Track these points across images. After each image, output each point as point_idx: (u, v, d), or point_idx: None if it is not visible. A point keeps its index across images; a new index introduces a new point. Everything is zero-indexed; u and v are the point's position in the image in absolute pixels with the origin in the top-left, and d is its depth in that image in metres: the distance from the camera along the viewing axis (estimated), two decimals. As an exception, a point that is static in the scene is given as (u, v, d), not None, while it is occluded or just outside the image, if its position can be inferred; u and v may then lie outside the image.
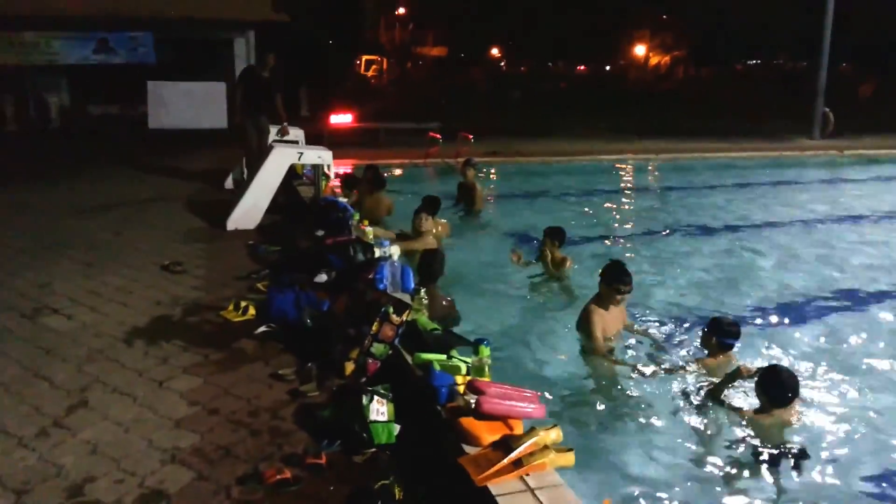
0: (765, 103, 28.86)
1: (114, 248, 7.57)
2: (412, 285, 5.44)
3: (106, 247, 7.61)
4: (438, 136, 14.87)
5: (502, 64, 58.77)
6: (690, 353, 5.82)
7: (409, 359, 4.21)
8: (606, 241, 9.61)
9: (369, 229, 6.33)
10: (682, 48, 50.50)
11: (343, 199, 7.40)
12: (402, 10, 53.08)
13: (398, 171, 14.00)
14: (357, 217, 6.92)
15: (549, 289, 7.34)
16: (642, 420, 4.85)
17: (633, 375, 5.33)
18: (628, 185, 13.76)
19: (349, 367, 4.41)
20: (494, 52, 58.37)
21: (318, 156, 8.48)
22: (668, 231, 10.27)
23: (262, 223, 8.48)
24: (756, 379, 4.60)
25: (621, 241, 9.76)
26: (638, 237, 9.94)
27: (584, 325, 5.62)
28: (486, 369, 3.77)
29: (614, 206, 12.26)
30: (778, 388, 4.47)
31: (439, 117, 17.99)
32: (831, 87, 20.77)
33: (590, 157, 16.19)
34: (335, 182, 9.24)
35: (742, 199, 12.86)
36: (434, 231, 8.09)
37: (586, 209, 11.69)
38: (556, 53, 54.91)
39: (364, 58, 45.56)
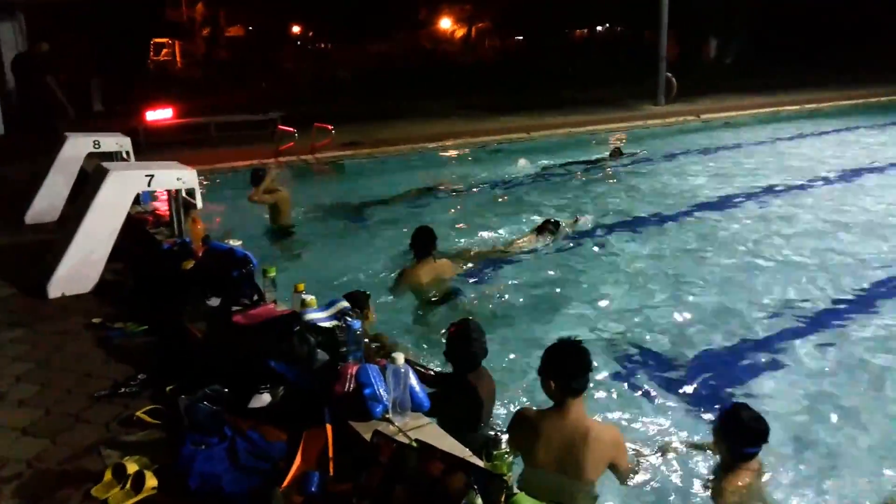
0: (587, 72, 28.61)
1: None
2: (427, 401, 3.31)
3: None
4: (292, 129, 12.36)
5: (299, 43, 55.30)
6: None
7: None
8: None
9: (309, 297, 3.99)
10: (484, 20, 50.09)
11: (235, 243, 4.98)
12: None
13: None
14: (273, 272, 4.53)
15: None
16: None
17: None
18: (524, 173, 12.11)
19: None
20: (296, 29, 54.76)
21: (178, 177, 5.90)
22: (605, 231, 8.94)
23: (102, 281, 5.83)
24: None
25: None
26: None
27: (622, 455, 3.57)
28: None
29: (521, 201, 10.57)
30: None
31: (266, 105, 16.05)
32: (642, 54, 20.74)
33: (464, 140, 14.27)
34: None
35: (647, 178, 11.80)
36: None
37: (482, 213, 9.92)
38: (358, 31, 52.49)
39: (153, 41, 40.71)
